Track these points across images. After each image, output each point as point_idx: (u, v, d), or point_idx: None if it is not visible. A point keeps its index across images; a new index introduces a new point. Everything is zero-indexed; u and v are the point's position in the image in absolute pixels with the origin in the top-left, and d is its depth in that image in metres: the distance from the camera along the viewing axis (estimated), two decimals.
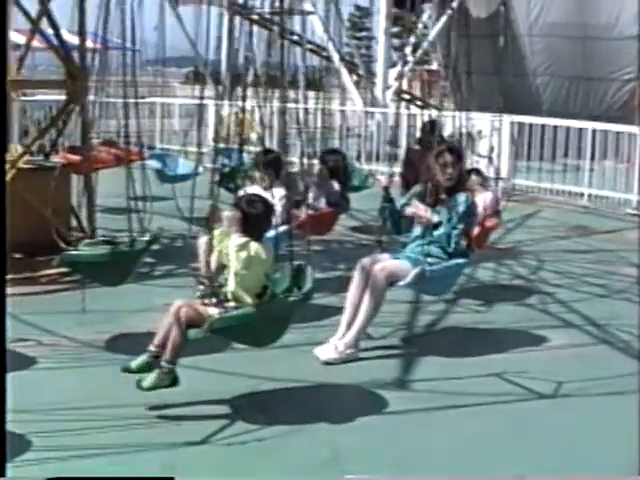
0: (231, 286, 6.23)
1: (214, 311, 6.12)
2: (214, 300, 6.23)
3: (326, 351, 7.38)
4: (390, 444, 5.85)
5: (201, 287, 6.49)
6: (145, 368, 6.24)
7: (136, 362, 6.31)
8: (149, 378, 6.16)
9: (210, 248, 6.56)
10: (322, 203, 10.19)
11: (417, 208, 7.77)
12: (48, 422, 5.86)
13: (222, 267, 6.41)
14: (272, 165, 9.14)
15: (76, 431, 5.74)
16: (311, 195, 9.90)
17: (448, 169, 7.78)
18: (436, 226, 7.67)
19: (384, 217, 7.99)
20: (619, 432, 5.91)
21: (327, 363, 7.28)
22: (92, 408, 6.07)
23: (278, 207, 8.52)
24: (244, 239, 6.21)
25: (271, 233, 7.62)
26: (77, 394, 6.39)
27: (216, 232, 6.46)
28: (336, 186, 10.31)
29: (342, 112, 20.63)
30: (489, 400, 6.58)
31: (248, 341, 6.52)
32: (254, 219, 6.33)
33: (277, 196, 8.35)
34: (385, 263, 7.60)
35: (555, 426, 6.18)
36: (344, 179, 10.57)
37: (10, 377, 6.53)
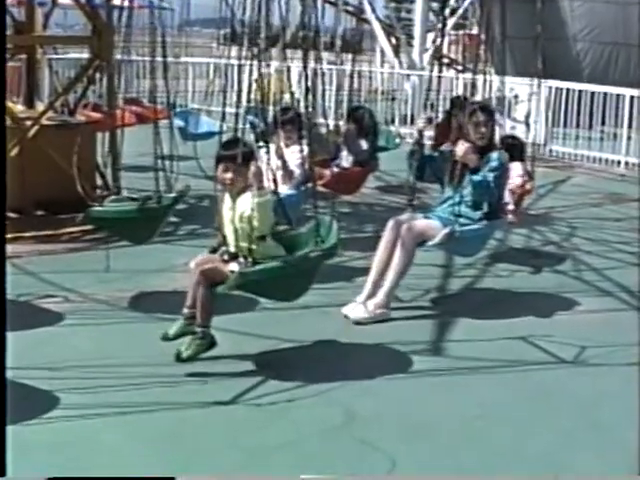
0: (232, 240, 6.14)
1: (235, 267, 6.01)
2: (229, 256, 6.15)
3: (356, 310, 7.27)
4: (406, 408, 5.75)
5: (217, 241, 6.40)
6: (183, 333, 6.15)
7: (173, 329, 6.22)
8: (187, 348, 6.04)
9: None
10: (349, 162, 10.04)
11: (464, 146, 7.43)
12: (65, 379, 5.78)
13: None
14: (289, 123, 8.94)
15: (92, 389, 5.68)
16: (341, 154, 9.79)
17: (481, 128, 7.65)
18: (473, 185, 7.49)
19: (411, 161, 7.86)
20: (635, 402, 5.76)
21: (357, 323, 7.19)
22: (110, 366, 6.00)
23: (293, 164, 8.45)
24: (262, 192, 6.10)
25: (289, 191, 7.53)
26: (96, 352, 6.33)
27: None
28: (364, 145, 10.16)
29: (370, 74, 20.30)
30: (511, 364, 6.46)
31: (273, 295, 6.43)
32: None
33: (291, 153, 8.37)
34: (414, 222, 7.51)
35: (571, 394, 6.07)
36: (373, 138, 10.39)
37: (31, 333, 6.58)
